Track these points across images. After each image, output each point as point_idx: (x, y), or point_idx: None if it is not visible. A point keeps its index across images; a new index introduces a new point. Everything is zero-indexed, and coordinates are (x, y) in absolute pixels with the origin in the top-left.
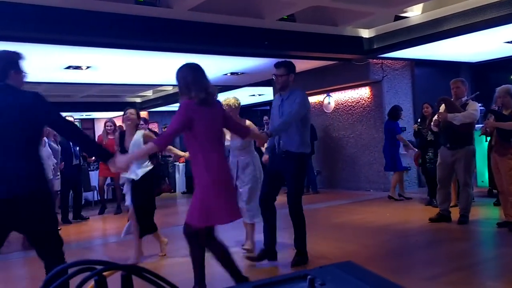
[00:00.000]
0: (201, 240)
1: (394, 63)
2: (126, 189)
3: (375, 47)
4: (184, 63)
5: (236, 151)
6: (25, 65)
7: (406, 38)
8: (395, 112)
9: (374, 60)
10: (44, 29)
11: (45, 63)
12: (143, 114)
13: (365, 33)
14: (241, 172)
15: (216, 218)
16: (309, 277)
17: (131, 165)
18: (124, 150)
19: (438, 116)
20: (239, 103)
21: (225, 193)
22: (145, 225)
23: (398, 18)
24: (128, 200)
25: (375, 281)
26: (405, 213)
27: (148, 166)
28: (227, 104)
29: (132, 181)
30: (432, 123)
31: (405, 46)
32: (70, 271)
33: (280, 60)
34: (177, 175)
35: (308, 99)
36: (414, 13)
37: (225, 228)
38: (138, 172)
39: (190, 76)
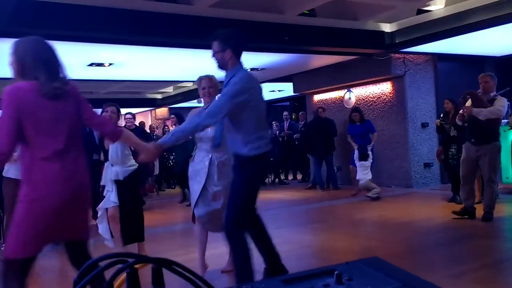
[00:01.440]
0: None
1: (416, 58)
2: (108, 190)
3: (397, 41)
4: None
5: (210, 145)
6: None
7: (429, 32)
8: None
9: (396, 54)
10: (68, 27)
11: (69, 61)
12: (164, 110)
13: (387, 27)
14: (218, 171)
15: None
16: (336, 272)
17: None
18: (105, 151)
19: (463, 110)
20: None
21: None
22: (131, 232)
23: (420, 11)
24: (110, 200)
25: (403, 276)
26: (427, 210)
27: (132, 166)
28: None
29: (116, 183)
30: (457, 117)
31: (428, 40)
32: (103, 264)
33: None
34: None
35: (251, 84)
36: (438, 7)
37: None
38: (122, 172)
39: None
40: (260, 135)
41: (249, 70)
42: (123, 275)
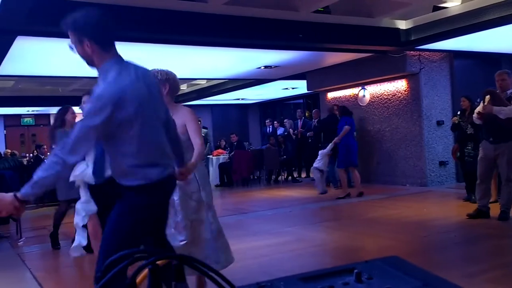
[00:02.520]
0: None
1: (432, 55)
2: (83, 197)
3: (412, 38)
4: None
5: None
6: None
7: (445, 29)
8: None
9: (411, 52)
10: None
11: None
12: None
13: (402, 25)
14: (182, 193)
15: None
16: (355, 271)
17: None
18: None
19: (483, 108)
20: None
21: None
22: None
23: (436, 8)
24: (89, 209)
25: (423, 275)
26: (442, 209)
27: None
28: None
29: (89, 187)
30: (475, 116)
31: (444, 38)
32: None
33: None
34: (210, 168)
35: (124, 91)
36: (454, 3)
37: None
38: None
39: None
40: (150, 162)
41: (262, 67)
42: (145, 271)
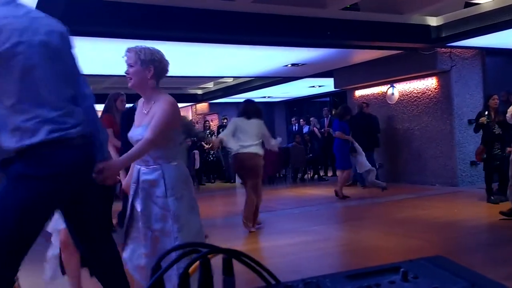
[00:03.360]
0: None
1: (463, 52)
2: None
3: (443, 35)
4: None
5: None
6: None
7: (477, 25)
8: (345, 112)
9: (442, 49)
10: (114, 24)
11: (116, 57)
12: (204, 105)
13: (433, 21)
14: (144, 195)
15: None
16: (402, 270)
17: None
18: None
19: None
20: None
21: None
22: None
23: (468, 4)
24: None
25: (471, 276)
26: (473, 209)
27: None
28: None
29: None
30: (508, 115)
31: (476, 34)
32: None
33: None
34: None
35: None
36: (486, 0)
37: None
38: None
39: None
40: (38, 114)
41: (289, 65)
42: (196, 264)
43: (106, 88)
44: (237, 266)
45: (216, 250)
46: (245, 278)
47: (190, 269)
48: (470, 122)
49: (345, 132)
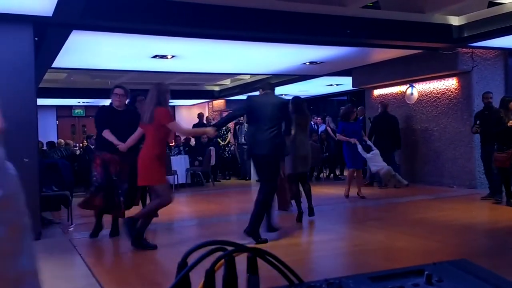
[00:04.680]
0: None
1: (485, 53)
2: None
3: (465, 35)
4: None
5: None
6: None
7: (500, 26)
8: (347, 114)
9: (463, 49)
10: (134, 20)
11: (134, 53)
12: (221, 102)
13: (455, 21)
14: None
15: None
16: (426, 273)
17: None
18: None
19: None
20: None
21: None
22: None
23: (492, 4)
24: None
25: (496, 280)
26: (492, 212)
27: None
28: None
29: None
30: None
31: (500, 35)
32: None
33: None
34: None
35: None
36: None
37: None
38: None
39: None
40: None
41: (307, 63)
42: (221, 262)
43: (123, 83)
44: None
45: (241, 248)
46: (266, 276)
47: (216, 267)
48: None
49: (346, 133)
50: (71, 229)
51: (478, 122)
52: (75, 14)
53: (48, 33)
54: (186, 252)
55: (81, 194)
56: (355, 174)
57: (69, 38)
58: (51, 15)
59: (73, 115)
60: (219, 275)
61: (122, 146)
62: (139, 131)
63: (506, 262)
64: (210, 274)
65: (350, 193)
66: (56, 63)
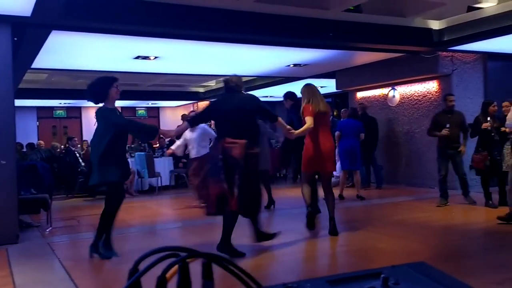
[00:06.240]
0: None
1: (465, 56)
2: None
3: (445, 39)
4: None
5: None
6: (96, 55)
7: (479, 30)
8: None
9: (444, 52)
10: (116, 20)
11: (115, 53)
12: (206, 103)
13: (435, 25)
14: None
15: None
16: (382, 275)
17: None
18: None
19: None
20: None
21: None
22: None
23: (471, 9)
24: None
25: (452, 283)
26: (471, 213)
27: None
28: None
29: None
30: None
31: (479, 39)
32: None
33: None
34: None
35: None
36: (489, 4)
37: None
38: None
39: None
40: None
41: (291, 66)
42: (175, 268)
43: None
44: (218, 269)
45: (195, 254)
46: (226, 282)
47: (168, 274)
48: (470, 126)
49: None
50: (47, 232)
51: (448, 126)
52: (54, 14)
53: (27, 34)
54: (137, 259)
55: (60, 197)
56: (356, 176)
57: (48, 39)
58: (29, 15)
59: (54, 116)
60: (173, 282)
61: None
62: None
63: (483, 263)
64: (161, 281)
65: (344, 193)
66: (36, 64)
